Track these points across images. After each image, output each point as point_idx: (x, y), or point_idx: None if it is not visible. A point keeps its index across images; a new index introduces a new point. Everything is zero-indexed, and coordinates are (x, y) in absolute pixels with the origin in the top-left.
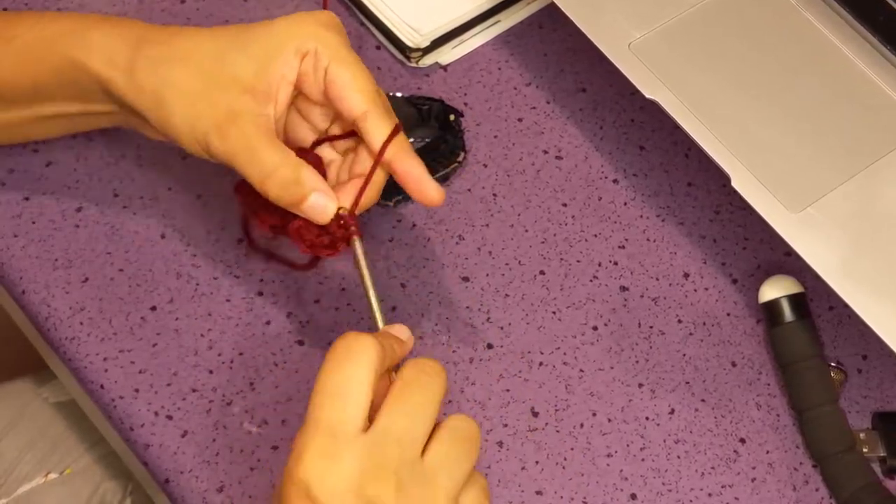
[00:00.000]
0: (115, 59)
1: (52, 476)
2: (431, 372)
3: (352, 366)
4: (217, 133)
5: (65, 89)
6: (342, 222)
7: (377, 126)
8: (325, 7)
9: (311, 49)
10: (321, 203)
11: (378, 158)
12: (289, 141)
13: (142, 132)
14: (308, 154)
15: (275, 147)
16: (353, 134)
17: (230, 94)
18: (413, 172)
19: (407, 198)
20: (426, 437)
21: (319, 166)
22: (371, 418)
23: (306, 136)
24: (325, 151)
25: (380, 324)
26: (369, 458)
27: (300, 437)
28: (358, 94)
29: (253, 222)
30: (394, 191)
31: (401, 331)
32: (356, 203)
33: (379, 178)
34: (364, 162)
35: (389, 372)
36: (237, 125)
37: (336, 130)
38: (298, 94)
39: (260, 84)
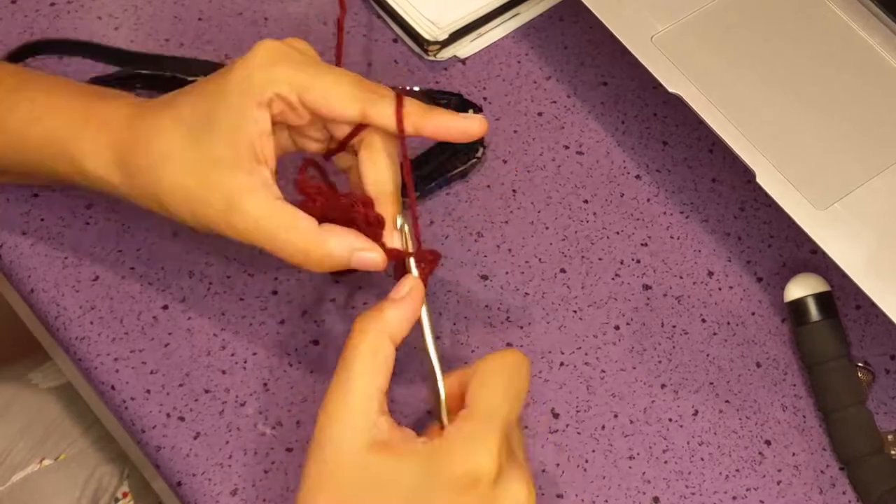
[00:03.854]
0: (109, 166)
1: (47, 462)
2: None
3: None
4: (226, 226)
5: (60, 179)
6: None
7: (381, 112)
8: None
9: (271, 95)
10: (368, 259)
11: (401, 138)
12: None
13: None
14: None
15: (288, 227)
16: (339, 150)
17: (222, 181)
18: (443, 124)
19: (424, 194)
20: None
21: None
22: None
23: (317, 147)
24: (343, 158)
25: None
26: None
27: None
28: (343, 105)
29: None
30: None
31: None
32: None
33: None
34: (370, 177)
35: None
36: (240, 212)
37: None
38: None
39: (242, 155)
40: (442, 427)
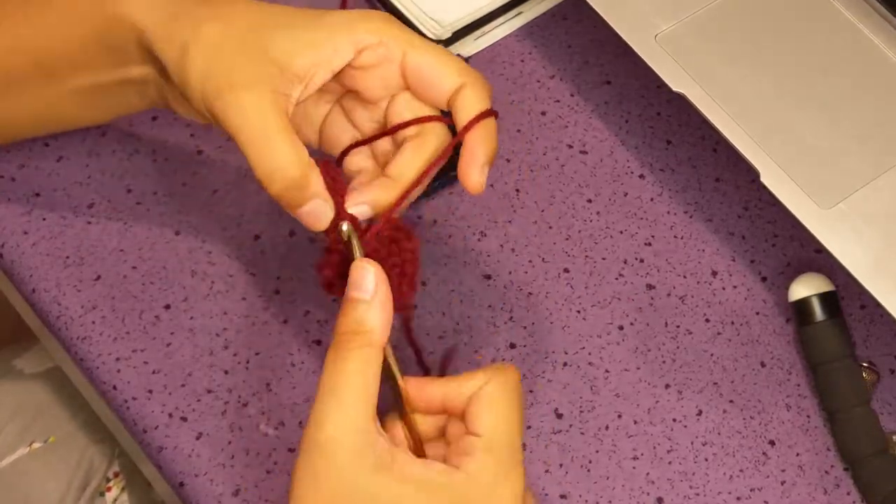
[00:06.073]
0: (154, 9)
1: (37, 445)
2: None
3: None
4: (228, 94)
5: (101, 51)
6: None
7: (473, 96)
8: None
9: (374, 42)
10: (320, 210)
11: (467, 128)
12: (326, 140)
13: (175, 109)
14: (329, 167)
15: (287, 137)
16: (390, 132)
17: (256, 62)
18: (472, 151)
19: (428, 193)
20: None
21: (339, 181)
22: None
23: (346, 139)
24: (359, 158)
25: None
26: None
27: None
28: (449, 70)
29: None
30: None
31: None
32: (400, 199)
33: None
34: (399, 164)
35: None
36: (252, 93)
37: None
38: (346, 93)
39: (293, 64)
40: (403, 418)
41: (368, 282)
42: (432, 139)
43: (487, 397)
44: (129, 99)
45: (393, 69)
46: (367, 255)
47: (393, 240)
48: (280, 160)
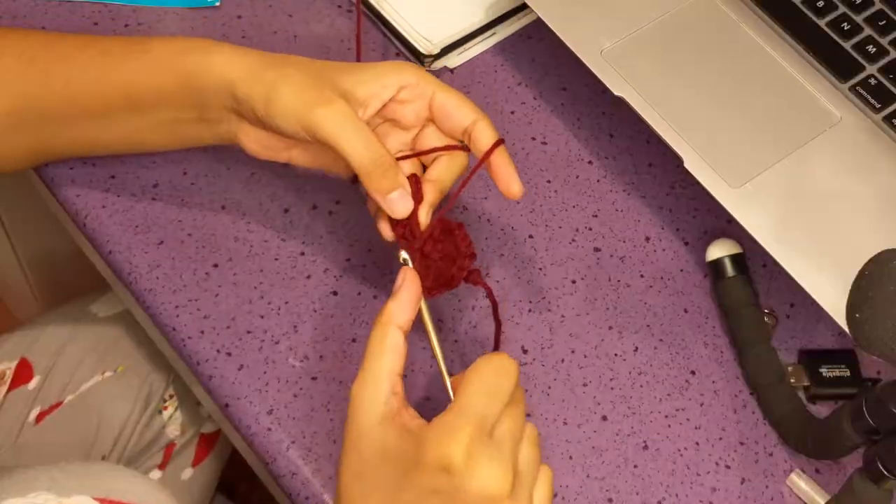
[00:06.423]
0: (235, 63)
1: (108, 374)
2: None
3: None
4: (318, 109)
5: (184, 94)
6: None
7: (485, 129)
8: (358, 20)
9: (412, 82)
10: (406, 199)
11: (487, 155)
12: None
13: (241, 142)
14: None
15: (372, 134)
16: (425, 153)
17: (330, 90)
18: (504, 171)
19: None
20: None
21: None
22: None
23: None
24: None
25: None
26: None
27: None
28: (466, 109)
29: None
30: None
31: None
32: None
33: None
34: (437, 171)
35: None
36: (335, 105)
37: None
38: (384, 121)
39: (356, 92)
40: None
41: (397, 283)
42: (458, 159)
43: (468, 373)
44: (201, 134)
45: (424, 104)
46: (423, 248)
47: (447, 232)
48: (375, 149)
